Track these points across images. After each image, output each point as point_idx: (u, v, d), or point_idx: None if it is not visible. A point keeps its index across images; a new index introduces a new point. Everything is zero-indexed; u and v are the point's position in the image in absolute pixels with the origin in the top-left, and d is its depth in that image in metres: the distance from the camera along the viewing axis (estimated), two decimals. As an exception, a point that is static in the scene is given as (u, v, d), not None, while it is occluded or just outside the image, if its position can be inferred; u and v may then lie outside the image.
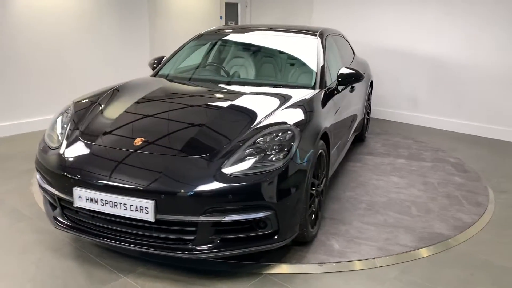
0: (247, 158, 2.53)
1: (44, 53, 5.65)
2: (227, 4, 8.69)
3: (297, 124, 2.79)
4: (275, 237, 2.58)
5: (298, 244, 3.01)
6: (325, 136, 3.17)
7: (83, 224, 2.67)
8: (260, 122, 2.83)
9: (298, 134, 2.69)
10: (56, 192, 2.67)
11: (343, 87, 3.78)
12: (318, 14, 7.67)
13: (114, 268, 2.73)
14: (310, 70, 3.80)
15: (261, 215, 2.47)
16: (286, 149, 2.59)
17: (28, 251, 2.90)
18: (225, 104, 3.17)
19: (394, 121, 7.09)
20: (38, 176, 2.91)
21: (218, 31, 4.48)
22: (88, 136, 2.80)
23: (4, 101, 5.33)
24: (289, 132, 2.69)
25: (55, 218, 2.76)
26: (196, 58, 4.27)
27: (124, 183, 2.43)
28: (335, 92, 3.72)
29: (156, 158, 2.54)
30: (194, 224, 2.42)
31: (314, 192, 2.97)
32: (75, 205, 2.54)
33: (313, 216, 3.00)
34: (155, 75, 4.05)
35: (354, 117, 4.64)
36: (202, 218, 2.39)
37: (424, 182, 4.34)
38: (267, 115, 2.92)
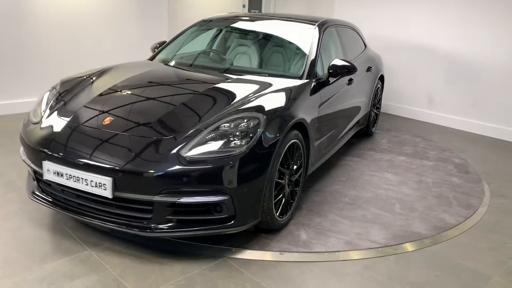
0: (208, 142, 2.56)
1: (62, 40, 5.85)
2: (251, -6, 8.70)
3: (265, 112, 2.79)
4: (232, 221, 2.61)
5: (265, 232, 3.03)
6: (302, 127, 3.16)
7: (55, 197, 2.79)
8: (229, 108, 2.85)
9: (263, 121, 2.70)
10: (32, 165, 2.81)
11: (335, 79, 3.72)
12: (339, 6, 7.53)
13: (82, 241, 2.84)
14: (301, 60, 3.77)
15: (216, 199, 2.51)
16: (248, 136, 2.61)
17: (9, 219, 3.06)
18: (200, 89, 3.21)
19: (409, 118, 6.90)
20: (21, 149, 3.06)
21: (220, 18, 4.50)
22: (65, 112, 2.92)
23: (18, 81, 5.58)
24: (254, 119, 2.70)
25: (33, 191, 2.91)
26: (194, 44, 4.32)
27: (86, 159, 2.52)
28: (326, 84, 3.68)
29: (118, 137, 2.62)
30: (150, 204, 2.49)
31: (283, 181, 2.97)
32: (44, 178, 2.67)
33: (281, 205, 3.00)
34: (152, 58, 4.14)
35: (353, 110, 4.57)
36: (157, 198, 2.46)
37: (418, 180, 4.23)
38: (238, 102, 2.94)
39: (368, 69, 5.05)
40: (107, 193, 2.47)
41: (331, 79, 3.75)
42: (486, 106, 6.12)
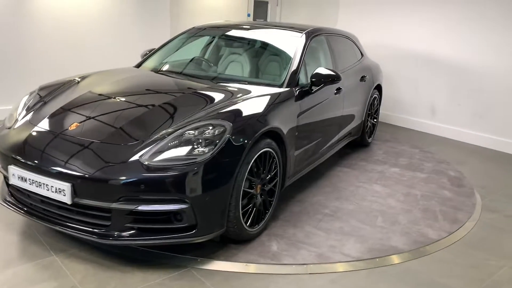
0: (170, 149, 2.53)
1: (63, 45, 5.94)
2: (256, 2, 8.69)
3: (232, 120, 2.74)
4: (194, 231, 2.56)
5: (235, 242, 2.97)
6: (277, 136, 3.10)
7: (23, 202, 2.79)
8: (197, 114, 2.82)
9: (229, 129, 2.65)
10: (1, 170, 2.83)
11: (317, 87, 3.65)
12: (344, 15, 7.47)
13: (50, 247, 2.84)
14: (283, 69, 3.73)
15: (175, 208, 2.47)
16: (213, 143, 2.57)
17: (-18, 223, 3.08)
18: (172, 95, 3.19)
19: (411, 128, 6.75)
20: (-4, 154, 3.08)
21: (210, 26, 4.49)
22: (35, 118, 2.94)
23: (19, 86, 5.67)
24: (220, 126, 2.66)
25: (4, 197, 2.91)
26: (183, 51, 4.32)
27: (47, 164, 2.52)
28: (308, 93, 3.61)
29: (80, 143, 2.60)
30: (108, 211, 2.46)
31: (253, 191, 2.91)
32: (10, 182, 2.68)
33: (251, 215, 2.93)
34: (139, 65, 4.15)
35: (343, 119, 4.48)
36: (115, 205, 2.43)
37: (407, 193, 4.11)
38: (207, 109, 2.90)
39: (362, 78, 4.97)
40: (66, 199, 2.46)
41: (314, 88, 3.67)
42: (490, 117, 5.95)
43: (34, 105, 3.13)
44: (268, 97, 3.20)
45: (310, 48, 4.08)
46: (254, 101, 3.07)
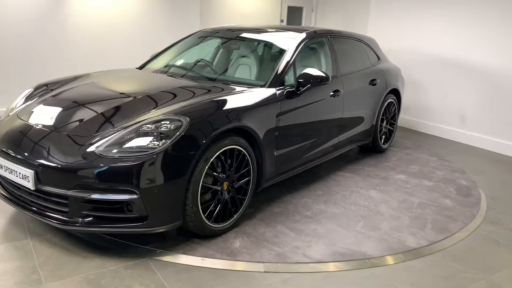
0: (125, 142, 2.64)
1: (95, 43, 6.34)
2: (291, 8, 8.73)
3: (191, 115, 2.80)
4: (144, 222, 2.65)
5: (200, 237, 3.01)
6: (249, 135, 3.13)
7: (6, 188, 3.03)
8: (157, 109, 2.91)
9: (186, 124, 2.72)
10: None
11: (304, 88, 3.62)
12: (373, 20, 7.29)
13: (29, 231, 3.05)
14: (271, 69, 3.74)
15: (125, 198, 2.57)
16: (167, 137, 2.65)
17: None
18: (148, 92, 3.29)
19: (439, 136, 6.42)
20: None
21: (214, 30, 4.59)
22: (23, 111, 3.18)
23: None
24: (177, 121, 2.74)
25: None
26: (188, 53, 4.45)
27: (16, 152, 2.74)
28: (293, 93, 3.59)
29: (47, 134, 2.79)
30: (66, 198, 2.62)
31: (217, 187, 2.95)
32: (-9, 168, 2.92)
33: (215, 211, 2.97)
34: (142, 67, 4.34)
35: (343, 123, 4.38)
36: (70, 193, 2.58)
37: (403, 200, 3.94)
38: (170, 104, 2.99)
39: (372, 82, 4.83)
40: (30, 185, 2.65)
41: (301, 89, 3.63)
42: (522, 126, 5.52)
43: (28, 99, 3.38)
44: (240, 95, 3.23)
45: (305, 49, 4.06)
46: (222, 99, 3.11)
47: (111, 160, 2.56)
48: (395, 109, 5.45)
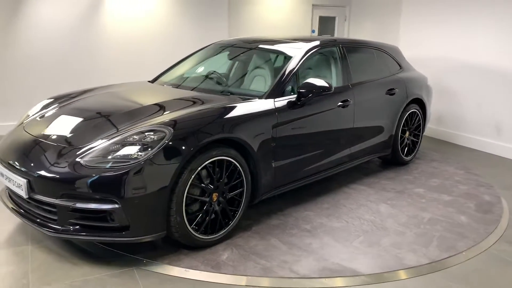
0: (110, 152, 2.72)
1: (126, 55, 6.60)
2: (323, 18, 8.65)
3: (175, 126, 2.83)
4: (126, 231, 2.69)
5: (189, 248, 3.02)
6: (241, 146, 3.12)
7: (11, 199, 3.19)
8: (143, 121, 2.98)
9: (169, 135, 2.76)
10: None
11: (305, 98, 3.56)
12: (405, 27, 7.06)
13: (31, 238, 3.18)
14: (272, 80, 3.72)
15: (106, 207, 2.63)
16: (150, 148, 2.70)
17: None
18: (140, 105, 3.38)
19: (475, 149, 6.04)
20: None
21: (226, 43, 4.63)
22: (30, 122, 3.37)
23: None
24: (160, 132, 2.78)
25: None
26: (195, 66, 4.51)
27: (14, 161, 2.89)
28: (294, 104, 3.54)
29: (41, 145, 2.93)
30: (55, 206, 2.72)
31: (205, 198, 2.96)
32: (-2, 178, 3.11)
33: (204, 222, 2.97)
34: (154, 80, 4.46)
35: (355, 134, 4.25)
36: (58, 201, 2.68)
37: (414, 215, 3.74)
38: (158, 116, 3.04)
39: (390, 91, 4.66)
40: (23, 193, 2.79)
41: (303, 99, 3.57)
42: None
43: (42, 109, 3.56)
44: (233, 107, 3.23)
45: (313, 59, 4.00)
46: (210, 110, 3.12)
47: (94, 170, 2.64)
48: (419, 119, 5.21)
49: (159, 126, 2.83)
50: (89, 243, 3.09)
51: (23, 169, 2.80)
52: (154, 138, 2.75)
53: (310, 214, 3.69)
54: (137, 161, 2.64)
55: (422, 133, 5.36)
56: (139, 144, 2.73)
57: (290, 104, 3.55)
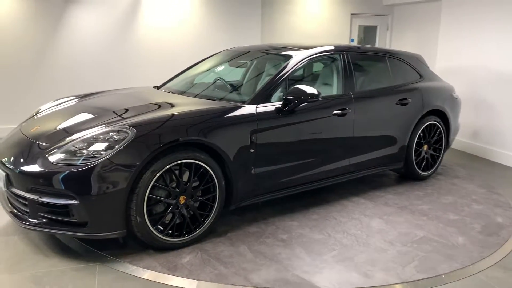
0: (76, 150, 2.85)
1: (160, 62, 6.87)
2: (364, 28, 8.43)
3: (138, 127, 2.90)
4: (85, 227, 2.79)
5: (156, 249, 3.06)
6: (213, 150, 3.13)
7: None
8: (113, 121, 3.08)
9: (131, 136, 2.83)
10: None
11: (290, 104, 3.48)
12: (443, 36, 6.66)
13: (17, 229, 3.38)
14: (258, 87, 3.70)
15: (66, 203, 2.76)
16: (111, 147, 2.79)
17: None
18: (124, 106, 3.48)
19: (508, 166, 5.54)
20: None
21: (232, 51, 4.67)
22: (26, 122, 3.61)
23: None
24: (124, 132, 2.86)
25: None
26: (202, 73, 4.58)
27: (1, 157, 3.11)
28: (281, 111, 3.48)
29: (24, 142, 3.13)
30: (25, 199, 2.90)
31: (170, 200, 2.99)
32: (-8, 172, 3.36)
33: (170, 224, 3.02)
34: (160, 86, 4.59)
35: (354, 144, 4.06)
36: (27, 195, 2.85)
37: (405, 233, 3.50)
38: (129, 117, 3.14)
39: (402, 101, 4.43)
40: (2, 185, 3.00)
41: (289, 105, 3.50)
42: None
43: (46, 110, 3.82)
44: (204, 111, 3.25)
45: (308, 67, 3.93)
46: (179, 114, 3.16)
47: (57, 166, 2.78)
48: (440, 132, 4.88)
49: (123, 127, 2.91)
50: (69, 238, 3.23)
51: (5, 163, 3.01)
52: (116, 138, 2.84)
53: (294, 224, 3.59)
54: (98, 159, 2.74)
55: (445, 148, 5.01)
56: (104, 143, 2.82)
57: (277, 111, 3.49)
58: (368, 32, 8.51)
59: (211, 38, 7.08)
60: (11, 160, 3.00)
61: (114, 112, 3.33)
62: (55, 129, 3.20)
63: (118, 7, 6.55)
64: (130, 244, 3.16)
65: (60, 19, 6.28)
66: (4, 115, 6.07)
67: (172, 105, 3.46)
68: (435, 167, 4.94)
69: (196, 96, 3.85)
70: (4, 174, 2.98)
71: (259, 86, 3.75)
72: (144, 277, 2.78)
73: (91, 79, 6.48)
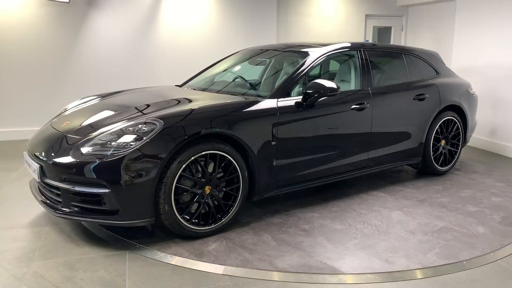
0: (106, 142, 2.98)
1: (177, 62, 7.04)
2: (379, 29, 8.50)
3: (166, 120, 3.02)
4: (116, 215, 2.91)
5: (182, 237, 3.17)
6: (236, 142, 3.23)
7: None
8: (142, 115, 3.21)
9: (159, 127, 2.95)
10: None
11: (310, 98, 3.58)
12: (459, 36, 6.70)
13: (52, 221, 3.53)
14: (278, 82, 3.81)
15: (98, 191, 2.88)
16: (140, 138, 2.91)
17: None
18: (150, 102, 3.61)
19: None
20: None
21: (251, 49, 4.79)
22: (59, 117, 3.77)
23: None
24: (152, 124, 2.99)
25: None
26: (221, 71, 4.70)
27: (34, 150, 3.26)
28: (299, 105, 3.58)
29: (56, 135, 3.27)
30: (59, 189, 3.03)
31: (197, 190, 3.09)
32: (24, 165, 3.52)
33: (197, 213, 3.12)
34: (182, 84, 4.73)
35: (371, 139, 4.13)
36: (61, 185, 2.99)
37: (425, 223, 3.55)
38: (157, 110, 3.26)
39: (419, 96, 4.49)
40: (36, 177, 3.14)
41: (309, 100, 3.59)
42: None
43: (72, 107, 3.98)
44: (227, 105, 3.37)
45: (326, 63, 4.03)
46: (204, 107, 3.28)
47: (89, 157, 2.91)
48: (457, 127, 4.92)
49: (151, 119, 3.04)
50: (98, 228, 3.36)
51: (39, 156, 3.15)
52: (145, 129, 2.96)
53: (315, 215, 3.67)
54: (128, 150, 2.86)
55: (463, 143, 5.04)
56: (134, 134, 2.95)
57: (298, 105, 3.59)
58: (383, 33, 8.58)
59: (228, 40, 7.23)
60: (44, 153, 3.14)
61: (139, 107, 3.46)
62: (85, 123, 3.34)
63: (139, 11, 6.75)
64: (157, 234, 3.27)
65: (83, 23, 6.49)
66: (31, 116, 6.29)
67: (195, 100, 3.57)
68: (453, 162, 4.97)
69: (218, 92, 3.97)
70: (38, 166, 3.11)
71: (279, 81, 3.86)
72: (172, 262, 2.88)
73: (114, 79, 6.68)
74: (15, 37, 6.19)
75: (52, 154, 3.08)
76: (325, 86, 3.55)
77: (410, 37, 8.36)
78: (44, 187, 3.21)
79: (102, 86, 6.55)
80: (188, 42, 7.09)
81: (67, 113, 3.85)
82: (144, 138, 2.91)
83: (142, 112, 3.32)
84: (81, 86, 6.50)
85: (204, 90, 4.14)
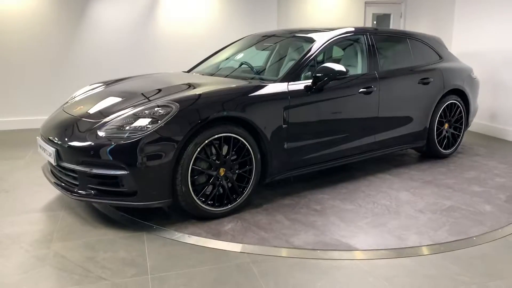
0: (123, 125, 3.02)
1: (177, 53, 7.06)
2: (378, 16, 8.54)
3: (181, 102, 3.06)
4: (134, 196, 2.96)
5: (197, 218, 3.23)
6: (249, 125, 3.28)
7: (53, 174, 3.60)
8: (158, 97, 3.25)
9: (175, 110, 3.00)
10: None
11: (320, 82, 3.63)
12: (459, 23, 6.76)
13: (65, 205, 3.57)
14: (289, 65, 3.85)
15: (117, 173, 2.92)
16: (156, 121, 2.95)
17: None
18: (161, 86, 3.66)
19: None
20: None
21: (257, 34, 4.83)
22: (69, 103, 3.80)
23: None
24: (168, 107, 3.03)
25: None
26: (230, 56, 4.74)
27: (48, 135, 3.29)
28: (308, 88, 3.63)
29: (70, 119, 3.31)
30: (75, 172, 3.07)
31: (212, 172, 3.15)
32: (38, 150, 3.55)
33: (212, 194, 3.18)
34: (189, 70, 4.76)
35: (379, 122, 4.20)
36: (78, 168, 3.03)
37: (433, 203, 3.64)
38: (171, 94, 3.31)
39: (423, 80, 4.55)
40: (52, 160, 3.17)
41: (318, 83, 3.65)
42: None
43: (80, 94, 4.00)
44: (239, 88, 3.41)
45: (334, 47, 4.06)
46: (216, 91, 3.33)
47: (107, 140, 2.94)
48: (460, 111, 5.00)
49: (167, 102, 3.08)
50: (112, 210, 3.41)
51: (54, 140, 3.19)
52: (162, 112, 3.00)
53: (325, 197, 3.74)
54: (145, 132, 2.91)
55: (465, 126, 5.13)
56: (149, 118, 2.99)
57: (307, 88, 3.64)
58: (382, 20, 8.63)
59: (229, 30, 7.25)
60: (59, 137, 3.18)
61: (152, 91, 3.50)
62: (100, 107, 3.37)
63: (140, 1, 6.74)
64: (172, 215, 3.32)
65: (83, 14, 6.49)
66: (35, 106, 6.31)
67: (205, 84, 3.61)
68: (456, 145, 5.06)
69: (226, 77, 4.01)
70: (54, 150, 3.15)
71: (289, 66, 3.90)
72: (191, 242, 2.94)
73: (116, 70, 6.67)
74: (18, 29, 6.22)
75: (68, 138, 3.12)
76: (334, 69, 3.60)
77: (409, 24, 8.41)
78: (60, 170, 3.25)
79: (105, 77, 6.53)
80: (189, 32, 7.11)
81: (77, 98, 3.87)
82: (160, 121, 2.95)
83: (156, 96, 3.36)
84: (86, 76, 6.51)
85: (212, 75, 4.18)
